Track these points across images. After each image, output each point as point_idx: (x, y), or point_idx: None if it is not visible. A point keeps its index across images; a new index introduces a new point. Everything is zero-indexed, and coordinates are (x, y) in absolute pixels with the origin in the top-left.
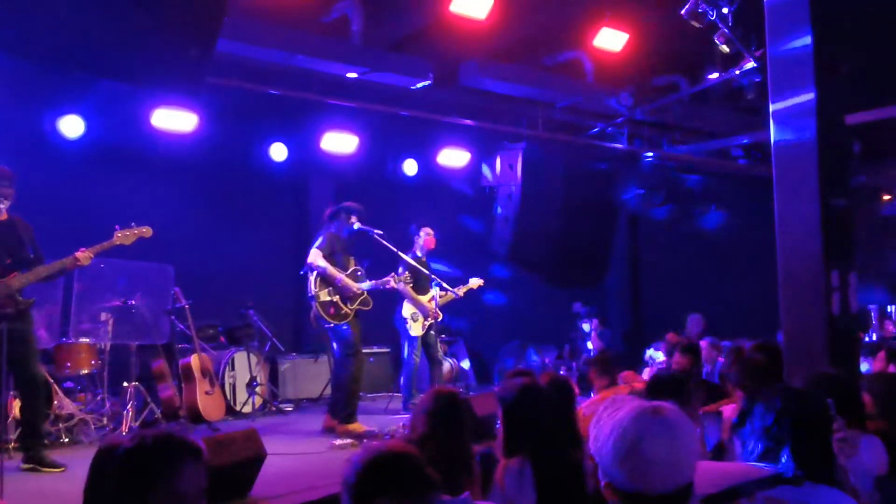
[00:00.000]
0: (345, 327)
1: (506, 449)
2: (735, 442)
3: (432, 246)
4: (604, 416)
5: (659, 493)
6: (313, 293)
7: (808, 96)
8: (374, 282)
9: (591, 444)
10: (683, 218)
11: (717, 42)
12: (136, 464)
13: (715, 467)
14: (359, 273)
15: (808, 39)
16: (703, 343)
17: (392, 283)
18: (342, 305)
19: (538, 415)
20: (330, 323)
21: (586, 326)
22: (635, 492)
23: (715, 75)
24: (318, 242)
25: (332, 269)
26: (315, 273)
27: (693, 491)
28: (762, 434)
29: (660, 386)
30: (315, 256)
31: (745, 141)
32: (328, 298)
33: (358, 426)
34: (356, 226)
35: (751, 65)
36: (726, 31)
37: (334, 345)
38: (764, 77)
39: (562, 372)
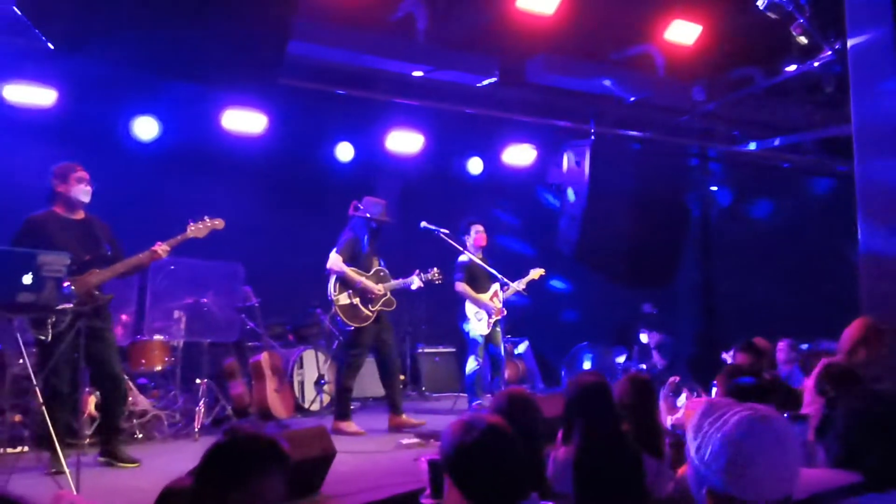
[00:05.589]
0: (359, 330)
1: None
2: (818, 448)
3: (483, 243)
4: (705, 423)
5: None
6: (332, 297)
7: (891, 88)
8: (397, 281)
9: (691, 449)
10: (758, 215)
11: (794, 33)
12: (223, 460)
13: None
14: (381, 274)
15: (889, 29)
16: (781, 345)
17: (417, 283)
18: (362, 308)
19: (594, 412)
20: (350, 326)
21: (644, 337)
22: (741, 500)
23: (792, 68)
24: (336, 247)
25: (350, 273)
26: (334, 277)
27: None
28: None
29: (745, 393)
30: (333, 261)
31: (824, 135)
32: (347, 301)
33: (350, 425)
34: (422, 224)
35: (829, 56)
36: (804, 21)
37: (350, 349)
38: (844, 69)
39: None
